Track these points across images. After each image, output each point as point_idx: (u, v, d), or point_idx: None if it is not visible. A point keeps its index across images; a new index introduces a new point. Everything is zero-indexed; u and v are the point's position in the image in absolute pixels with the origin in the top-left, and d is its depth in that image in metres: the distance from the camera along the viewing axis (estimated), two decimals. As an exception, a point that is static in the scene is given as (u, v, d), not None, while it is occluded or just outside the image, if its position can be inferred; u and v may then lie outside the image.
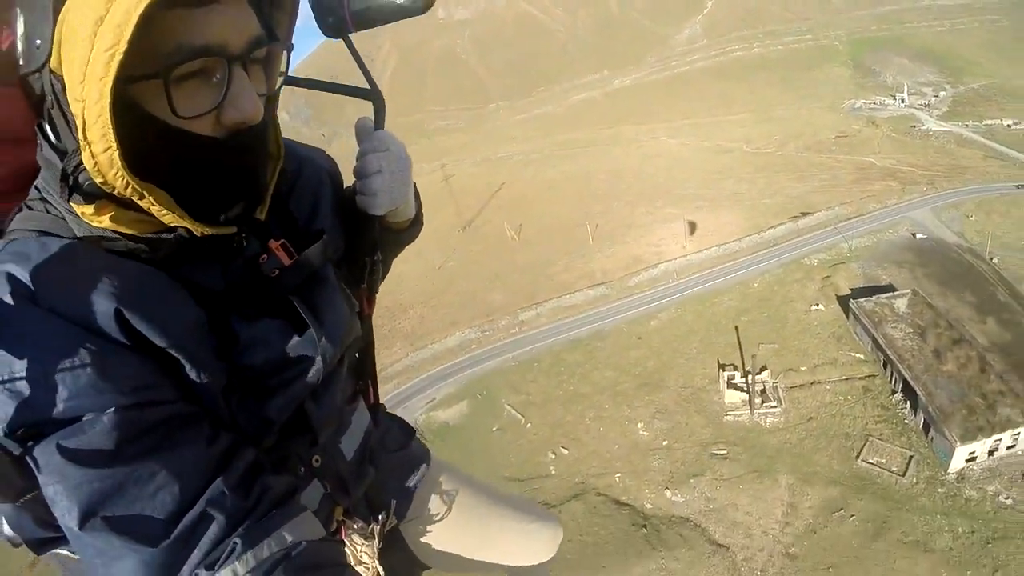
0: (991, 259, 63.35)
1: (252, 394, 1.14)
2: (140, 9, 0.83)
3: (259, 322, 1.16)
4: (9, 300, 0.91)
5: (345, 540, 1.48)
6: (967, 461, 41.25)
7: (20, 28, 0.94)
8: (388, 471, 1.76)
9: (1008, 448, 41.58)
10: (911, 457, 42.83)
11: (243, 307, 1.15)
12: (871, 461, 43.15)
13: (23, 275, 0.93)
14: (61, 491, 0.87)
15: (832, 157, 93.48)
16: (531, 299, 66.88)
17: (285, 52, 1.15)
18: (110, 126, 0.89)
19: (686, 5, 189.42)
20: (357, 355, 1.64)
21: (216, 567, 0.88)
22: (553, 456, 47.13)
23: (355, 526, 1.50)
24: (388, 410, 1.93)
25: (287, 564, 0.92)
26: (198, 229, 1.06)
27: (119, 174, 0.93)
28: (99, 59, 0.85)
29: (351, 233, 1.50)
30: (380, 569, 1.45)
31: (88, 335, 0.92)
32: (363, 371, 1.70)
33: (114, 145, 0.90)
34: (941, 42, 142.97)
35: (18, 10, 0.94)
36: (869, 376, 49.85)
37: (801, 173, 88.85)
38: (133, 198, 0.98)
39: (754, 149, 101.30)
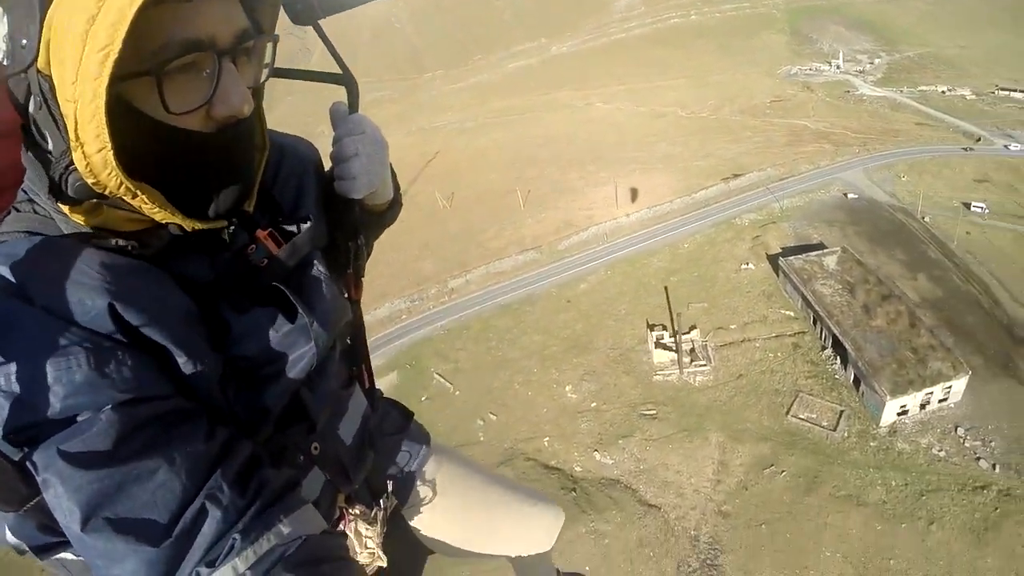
0: (923, 218, 63.58)
1: (248, 384, 1.14)
2: (135, 7, 0.82)
3: (250, 312, 1.16)
4: (1, 301, 0.91)
5: (348, 527, 1.50)
6: (899, 415, 40.85)
7: (3, 28, 0.91)
8: (387, 455, 1.76)
9: (940, 401, 41.25)
10: (842, 412, 42.25)
11: (234, 298, 1.15)
12: (801, 417, 42.42)
13: (14, 275, 0.92)
14: (62, 494, 0.86)
15: (766, 120, 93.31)
16: (461, 267, 65.55)
17: (270, 44, 1.14)
18: (105, 126, 0.88)
19: None
20: (349, 340, 1.64)
21: (216, 564, 0.88)
22: (482, 423, 45.91)
23: (358, 512, 1.52)
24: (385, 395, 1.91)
25: (287, 559, 0.91)
26: (189, 225, 1.06)
27: (112, 174, 0.93)
28: (93, 59, 0.84)
29: (333, 219, 1.48)
30: (383, 555, 1.50)
31: (83, 332, 0.92)
32: (356, 356, 1.69)
33: (108, 145, 0.89)
34: (879, 12, 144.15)
35: (0, 9, 0.91)
36: (799, 333, 49.27)
37: (735, 136, 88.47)
38: (125, 197, 0.97)
39: (689, 113, 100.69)
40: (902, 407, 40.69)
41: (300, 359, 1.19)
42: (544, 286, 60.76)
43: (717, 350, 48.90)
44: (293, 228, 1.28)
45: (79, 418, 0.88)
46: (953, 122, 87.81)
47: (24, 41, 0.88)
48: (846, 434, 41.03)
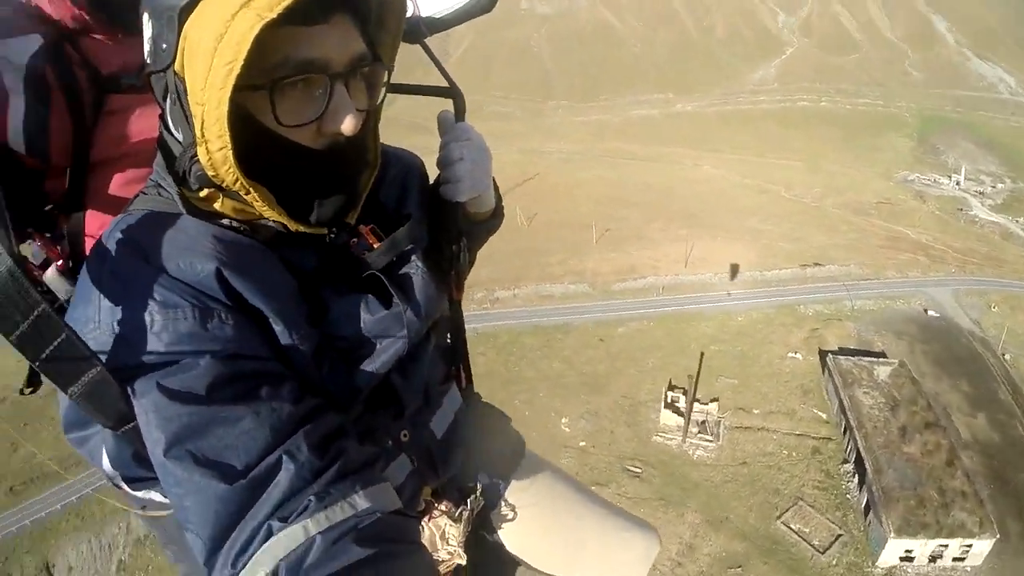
0: (1003, 355, 56.27)
1: (342, 362, 1.19)
2: (256, 30, 0.90)
3: (349, 296, 1.23)
4: (123, 259, 1.03)
5: (432, 522, 1.51)
6: (901, 559, 35.01)
7: (148, 31, 1.03)
8: (481, 457, 1.75)
9: (954, 560, 35.04)
10: (839, 536, 36.92)
11: (334, 283, 1.23)
12: (792, 527, 37.41)
13: (135, 239, 1.05)
14: (153, 420, 0.94)
15: (867, 219, 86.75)
16: (514, 282, 63.69)
17: (385, 72, 1.21)
18: (227, 129, 0.97)
19: (766, 46, 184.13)
20: (448, 339, 1.68)
21: (288, 521, 0.90)
22: (467, 427, 43.99)
23: (442, 508, 1.53)
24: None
25: (358, 531, 0.92)
26: (293, 226, 1.14)
27: (230, 169, 1.01)
28: (219, 71, 0.93)
29: (436, 223, 1.51)
30: (463, 554, 1.49)
31: (191, 290, 1.01)
32: (455, 355, 1.71)
33: (229, 145, 0.98)
34: (1013, 136, 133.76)
35: (147, 15, 1.03)
36: (824, 438, 44.04)
37: (830, 227, 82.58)
38: (240, 192, 1.06)
39: (792, 195, 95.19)
40: (907, 551, 34.77)
41: (392, 344, 1.24)
42: (584, 319, 58.29)
43: (730, 430, 44.38)
44: (395, 226, 1.32)
45: (180, 362, 0.96)
46: (1065, 265, 78.80)
47: (164, 46, 0.99)
48: (835, 561, 35.69)
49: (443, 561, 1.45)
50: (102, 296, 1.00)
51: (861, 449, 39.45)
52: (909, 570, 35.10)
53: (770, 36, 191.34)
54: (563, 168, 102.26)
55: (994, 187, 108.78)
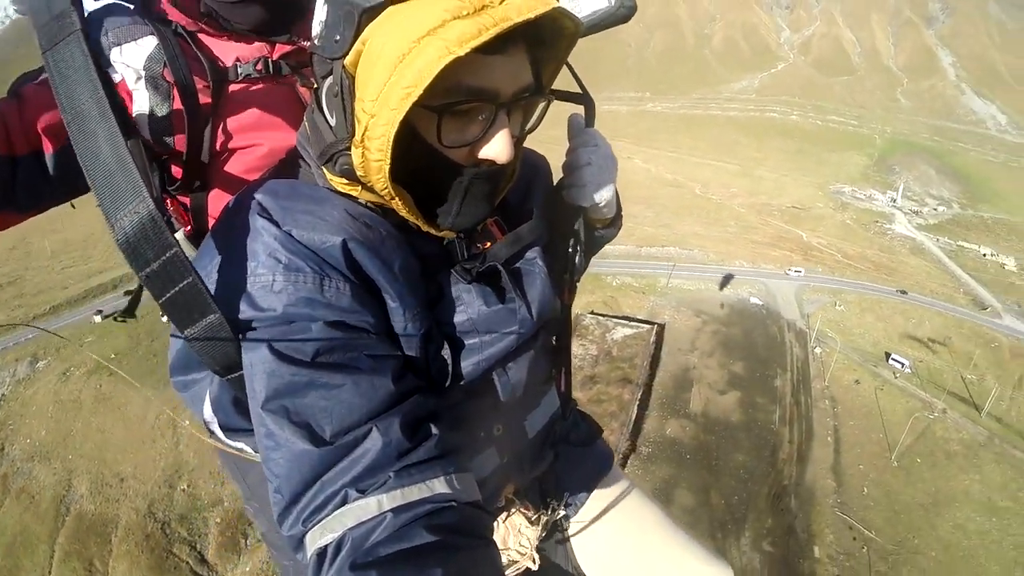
0: (813, 348, 54.34)
1: (449, 349, 1.19)
2: (444, 63, 0.88)
3: (466, 285, 1.22)
4: (254, 219, 1.04)
5: (509, 520, 1.51)
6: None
7: (321, 14, 1.01)
8: (568, 464, 1.74)
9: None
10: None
11: (454, 271, 1.22)
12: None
13: (269, 203, 1.05)
14: (257, 373, 0.96)
15: (764, 220, 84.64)
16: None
17: (543, 103, 1.19)
18: (390, 146, 0.96)
19: (759, 60, 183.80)
20: (555, 340, 1.61)
21: (365, 493, 0.92)
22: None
23: (522, 508, 1.53)
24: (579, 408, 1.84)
25: (430, 516, 0.92)
26: (426, 228, 1.14)
27: (381, 178, 1.01)
28: (395, 91, 0.91)
29: (557, 225, 1.50)
30: (536, 556, 1.50)
31: (315, 257, 1.02)
32: (558, 357, 1.63)
33: (387, 159, 0.98)
34: (982, 170, 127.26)
35: None
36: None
37: (715, 220, 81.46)
38: (384, 197, 1.06)
39: (701, 192, 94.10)
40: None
41: (501, 338, 1.23)
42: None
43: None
44: (518, 222, 1.32)
45: (293, 324, 0.98)
46: (969, 283, 74.23)
47: (338, 38, 0.97)
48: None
49: (513, 562, 1.47)
50: (229, 250, 1.04)
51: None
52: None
53: (767, 51, 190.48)
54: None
55: (935, 210, 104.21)
